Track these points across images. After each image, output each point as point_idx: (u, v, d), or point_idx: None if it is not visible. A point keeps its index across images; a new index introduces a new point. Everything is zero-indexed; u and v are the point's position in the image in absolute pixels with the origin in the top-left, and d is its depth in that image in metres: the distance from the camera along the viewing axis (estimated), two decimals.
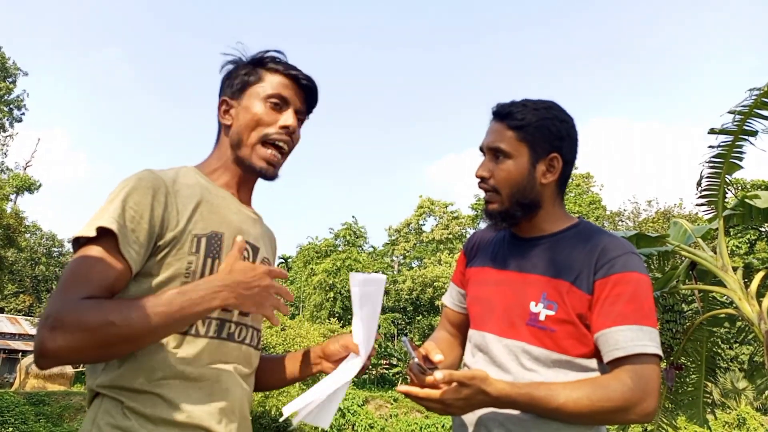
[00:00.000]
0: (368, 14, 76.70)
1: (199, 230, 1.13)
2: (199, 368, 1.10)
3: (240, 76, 1.27)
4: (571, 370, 1.26)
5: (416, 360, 1.17)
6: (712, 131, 4.72)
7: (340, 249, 35.22)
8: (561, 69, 76.30)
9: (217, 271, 1.12)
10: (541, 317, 1.27)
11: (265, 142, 1.25)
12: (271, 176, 1.27)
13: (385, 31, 77.82)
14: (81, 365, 25.63)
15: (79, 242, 1.05)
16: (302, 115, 1.31)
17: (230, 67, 1.30)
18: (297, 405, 1.16)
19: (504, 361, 1.30)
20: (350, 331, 1.30)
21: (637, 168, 69.21)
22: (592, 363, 1.27)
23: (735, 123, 4.55)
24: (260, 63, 1.28)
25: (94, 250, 1.02)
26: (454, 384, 1.11)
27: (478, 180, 1.38)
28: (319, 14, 77.97)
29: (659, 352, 1.19)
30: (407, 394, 1.15)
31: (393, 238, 40.60)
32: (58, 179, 70.50)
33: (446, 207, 39.52)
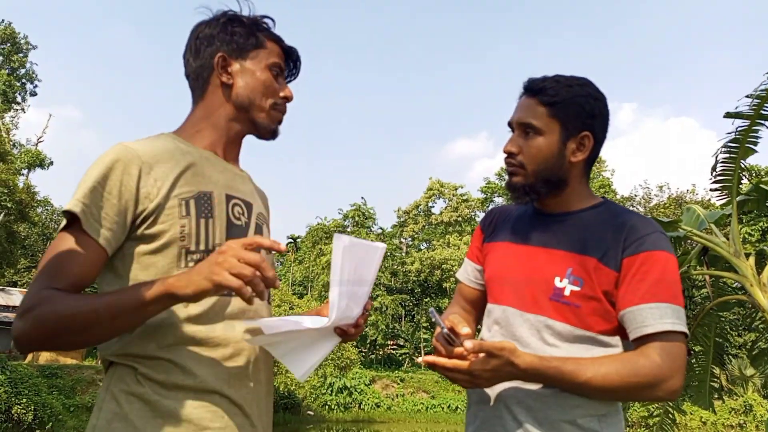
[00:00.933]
0: None
1: (185, 193, 1.11)
2: (208, 330, 1.09)
3: (239, 35, 1.25)
4: (593, 346, 1.26)
5: (445, 330, 1.16)
6: (728, 115, 4.65)
7: (349, 230, 35.31)
8: (570, 48, 75.37)
9: (213, 230, 1.13)
10: (566, 292, 1.26)
11: (273, 108, 1.28)
12: (274, 137, 1.31)
13: (401, 10, 77.09)
14: None
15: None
16: None
17: (225, 21, 1.26)
18: (263, 337, 1.11)
19: (524, 336, 1.28)
20: None
21: (650, 153, 68.59)
22: (614, 339, 1.27)
23: (752, 107, 4.49)
24: (260, 27, 1.28)
25: (63, 237, 1.04)
26: (483, 355, 1.11)
27: (506, 155, 1.36)
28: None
29: (686, 330, 1.20)
30: (433, 366, 1.15)
31: (402, 219, 40.63)
32: (69, 156, 71.00)
33: (456, 189, 39.44)
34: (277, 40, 1.29)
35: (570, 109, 1.30)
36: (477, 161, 74.05)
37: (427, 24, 76.84)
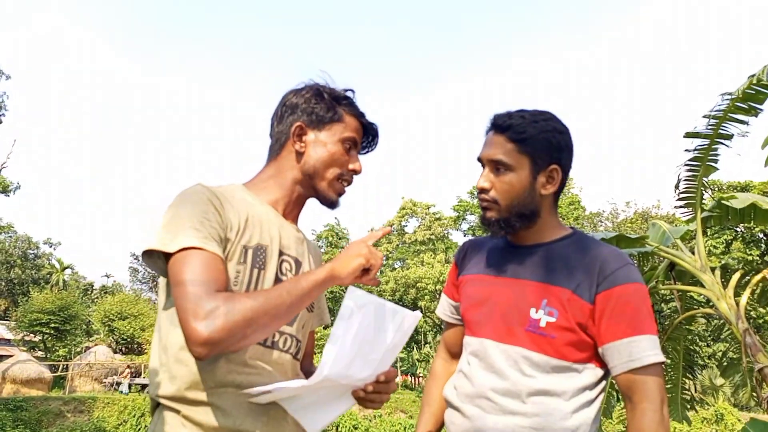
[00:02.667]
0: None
1: (246, 242, 1.20)
2: (249, 376, 1.15)
3: (320, 108, 1.33)
4: (569, 375, 1.29)
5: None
6: (687, 135, 4.80)
7: (322, 251, 35.14)
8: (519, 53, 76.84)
9: (263, 281, 1.20)
10: (542, 323, 1.29)
11: (339, 179, 1.34)
12: (333, 207, 1.38)
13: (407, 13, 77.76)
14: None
15: (151, 253, 1.12)
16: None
17: (311, 94, 1.35)
18: (276, 393, 1.12)
19: (502, 368, 1.31)
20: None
21: (614, 169, 70.06)
22: (589, 366, 1.31)
23: (710, 127, 4.65)
24: (341, 102, 1.35)
25: (191, 255, 1.08)
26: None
27: (479, 191, 1.39)
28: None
29: (663, 358, 1.28)
30: None
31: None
32: (33, 182, 69.20)
33: (428, 208, 39.62)
34: (358, 115, 1.36)
35: (538, 145, 1.34)
36: (444, 179, 74.65)
37: (435, 19, 77.67)
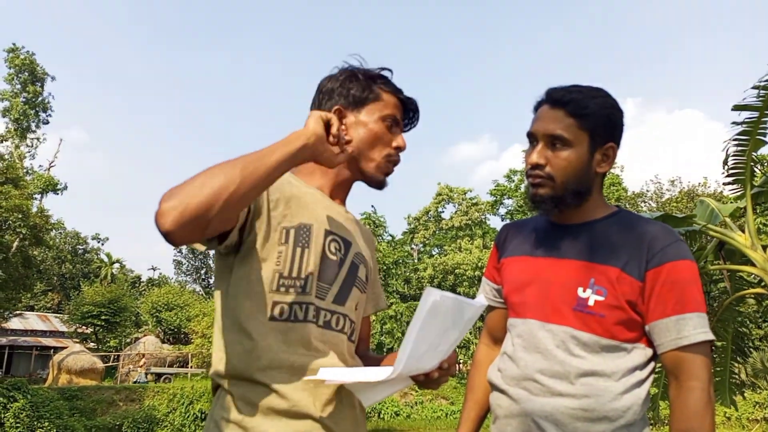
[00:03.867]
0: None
1: (287, 223, 1.20)
2: (302, 355, 1.15)
3: (356, 89, 1.33)
4: (619, 355, 1.27)
5: None
6: (736, 107, 4.63)
7: None
8: (572, 48, 75.21)
9: (308, 259, 1.19)
10: (590, 302, 1.26)
11: (386, 159, 1.33)
12: (381, 187, 1.36)
13: (403, 16, 77.38)
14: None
15: None
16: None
17: (345, 76, 1.35)
18: (327, 373, 1.12)
19: (550, 348, 1.29)
20: None
21: (658, 148, 68.14)
22: (639, 346, 1.29)
23: (759, 98, 4.46)
24: (377, 80, 1.34)
25: None
26: None
27: (531, 167, 1.34)
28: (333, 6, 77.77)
29: (712, 336, 1.24)
30: None
31: (412, 226, 40.53)
32: (78, 178, 71.65)
33: (465, 194, 39.32)
34: (394, 92, 1.35)
35: (599, 121, 1.31)
36: (481, 164, 74.00)
37: (425, 27, 77.08)
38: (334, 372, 1.12)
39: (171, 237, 0.97)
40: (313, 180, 1.33)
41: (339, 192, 1.36)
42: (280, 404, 1.10)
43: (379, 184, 1.34)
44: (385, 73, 1.36)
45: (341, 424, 1.17)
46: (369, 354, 1.42)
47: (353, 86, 1.33)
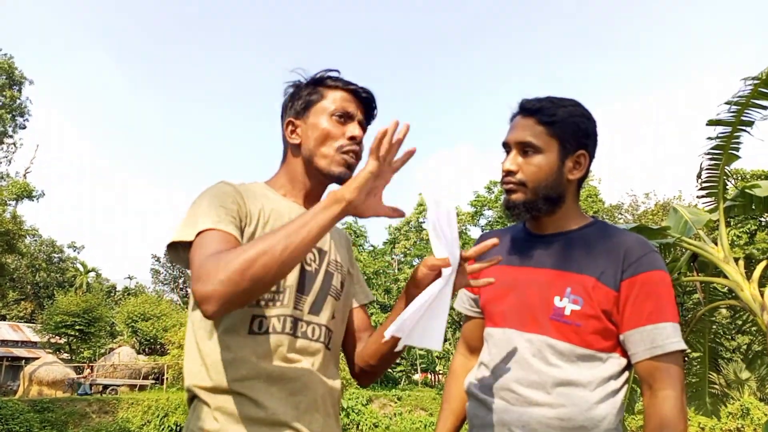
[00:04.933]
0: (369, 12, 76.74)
1: None
2: (279, 366, 1.15)
3: (302, 97, 1.35)
4: (594, 365, 1.28)
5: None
6: (710, 122, 4.72)
7: None
8: (544, 60, 76.35)
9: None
10: (567, 312, 1.28)
11: (338, 150, 1.31)
12: (341, 180, 1.31)
13: (377, 30, 77.81)
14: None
15: (175, 246, 1.13)
16: (364, 126, 1.37)
17: (291, 90, 1.37)
18: (395, 326, 1.12)
19: (526, 357, 1.30)
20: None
21: (634, 160, 69.26)
22: (613, 356, 1.30)
23: (732, 114, 4.56)
24: (320, 82, 1.35)
25: (209, 236, 1.09)
26: None
27: (504, 174, 1.38)
28: (317, 13, 77.99)
29: (685, 345, 1.26)
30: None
31: (393, 236, 40.54)
32: (56, 186, 70.41)
33: None
34: (342, 86, 1.34)
35: (567, 128, 1.34)
36: (459, 175, 74.53)
37: (406, 35, 77.65)
38: (398, 323, 1.11)
39: (212, 317, 1.00)
40: (287, 193, 1.34)
41: (311, 201, 1.36)
42: (258, 413, 1.11)
43: (337, 178, 1.32)
44: (332, 73, 1.36)
45: None
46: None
47: (298, 95, 1.35)
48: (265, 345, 1.15)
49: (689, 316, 5.44)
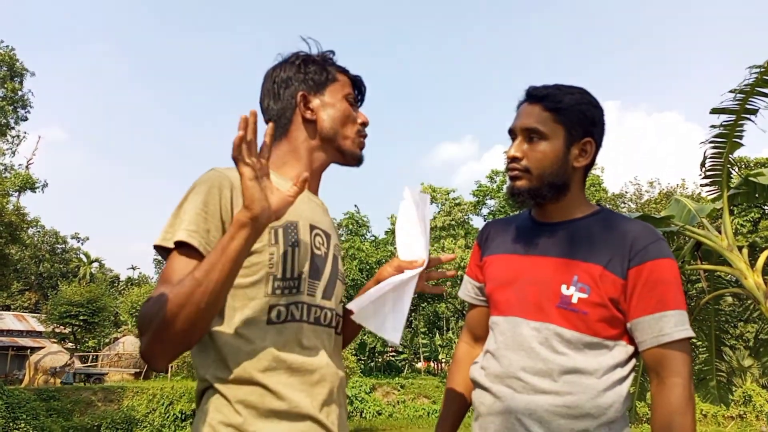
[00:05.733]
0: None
1: (274, 222, 1.14)
2: (299, 356, 1.15)
3: (314, 73, 1.33)
4: (600, 353, 1.28)
5: None
6: (714, 111, 4.70)
7: (343, 239, 35.23)
8: (554, 50, 75.82)
9: (299, 257, 1.19)
10: (574, 300, 1.28)
11: (358, 134, 1.35)
12: (360, 163, 1.37)
13: (389, 17, 77.30)
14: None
15: (162, 248, 1.12)
16: None
17: (300, 61, 1.34)
18: (358, 303, 1.14)
19: (533, 345, 1.30)
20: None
21: (637, 149, 68.98)
22: (620, 343, 1.30)
23: (736, 102, 4.54)
24: (329, 63, 1.36)
25: (176, 258, 1.09)
26: None
27: (509, 161, 1.37)
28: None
29: (692, 333, 1.27)
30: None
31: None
32: (58, 177, 70.44)
33: (448, 194, 39.43)
34: (345, 71, 1.37)
35: (574, 115, 1.33)
36: (463, 165, 74.44)
37: (409, 28, 77.13)
38: (359, 301, 1.14)
39: (162, 370, 1.02)
40: (288, 171, 1.30)
41: (314, 181, 1.35)
42: (280, 406, 1.10)
43: (358, 160, 1.35)
44: (331, 54, 1.39)
45: (336, 424, 1.18)
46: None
47: (311, 70, 1.33)
48: (285, 334, 1.14)
49: (693, 304, 5.44)
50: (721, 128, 4.75)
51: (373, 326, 1.16)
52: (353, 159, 1.35)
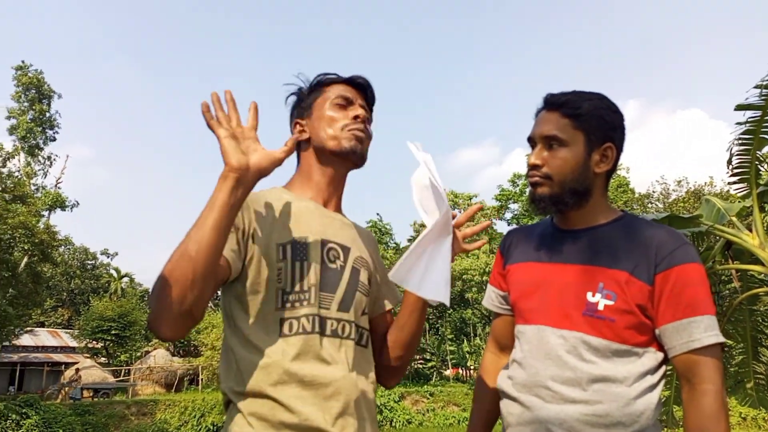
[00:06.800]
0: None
1: (281, 239, 1.22)
2: (311, 369, 1.16)
3: (305, 100, 1.40)
4: (629, 360, 1.27)
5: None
6: (739, 107, 4.62)
7: None
8: (574, 50, 75.13)
9: (308, 271, 1.22)
10: (600, 307, 1.27)
11: (344, 128, 1.34)
12: (361, 155, 1.35)
13: (398, 19, 77.58)
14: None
15: None
16: (366, 109, 1.40)
17: (294, 97, 1.43)
18: (394, 271, 1.16)
19: (560, 354, 1.29)
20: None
21: (662, 148, 67.84)
22: (649, 350, 1.29)
23: (762, 97, 4.45)
24: (319, 83, 1.40)
25: None
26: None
27: (530, 168, 1.37)
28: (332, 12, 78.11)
29: (723, 338, 1.24)
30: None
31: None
32: (86, 194, 72.02)
33: (470, 199, 39.25)
34: (337, 80, 1.40)
35: (593, 121, 1.33)
36: (484, 169, 74.04)
37: (427, 33, 77.27)
38: (396, 272, 1.15)
39: (176, 337, 1.08)
40: (304, 191, 1.36)
41: (331, 196, 1.38)
42: (291, 419, 1.11)
43: (351, 152, 1.32)
44: (328, 74, 1.42)
45: None
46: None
47: (300, 98, 1.41)
48: (297, 346, 1.16)
49: (726, 305, 5.33)
50: (747, 125, 4.66)
51: (411, 286, 1.16)
52: (348, 155, 1.33)
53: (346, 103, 1.36)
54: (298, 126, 1.39)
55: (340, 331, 1.23)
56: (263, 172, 1.13)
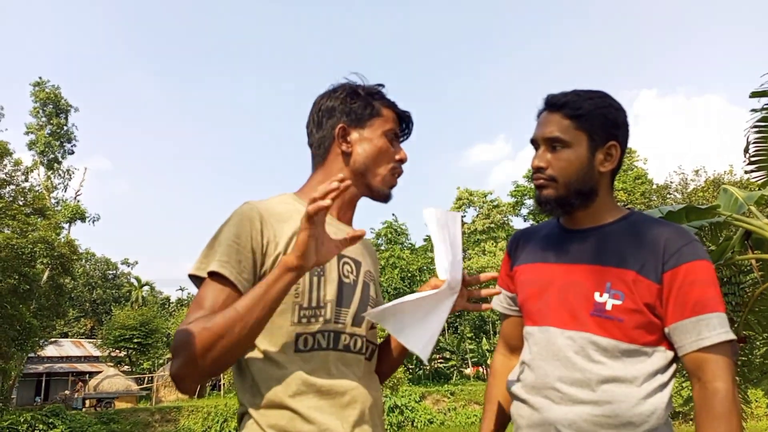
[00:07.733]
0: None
1: None
2: (328, 380, 1.17)
3: (358, 106, 1.34)
4: (639, 360, 1.25)
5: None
6: (754, 94, 4.53)
7: (383, 248, 35.28)
8: (586, 41, 74.56)
9: (325, 286, 1.21)
10: (608, 307, 1.25)
11: (391, 172, 1.35)
12: (387, 200, 1.37)
13: (409, 18, 77.66)
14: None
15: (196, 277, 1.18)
16: None
17: (346, 94, 1.35)
18: (374, 312, 1.16)
19: (569, 355, 1.27)
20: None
21: (679, 137, 67.03)
22: (659, 349, 1.27)
23: None
24: (375, 97, 1.36)
25: (209, 286, 1.14)
26: None
27: (534, 171, 1.36)
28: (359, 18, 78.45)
29: (733, 335, 1.23)
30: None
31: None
32: (105, 205, 72.95)
33: (485, 196, 39.13)
34: (391, 106, 1.37)
35: (595, 120, 1.31)
36: (497, 165, 73.75)
37: (438, 31, 77.19)
38: (377, 311, 1.15)
39: (187, 392, 1.14)
40: None
41: (346, 212, 1.37)
42: (310, 429, 1.12)
43: (385, 198, 1.36)
44: (380, 88, 1.38)
45: None
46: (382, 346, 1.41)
47: (355, 103, 1.34)
48: (313, 361, 1.17)
49: (748, 296, 5.23)
50: (763, 111, 4.57)
51: (404, 339, 1.17)
52: (381, 196, 1.35)
53: (395, 139, 1.36)
54: (342, 131, 1.32)
55: (352, 346, 1.24)
56: (321, 264, 1.12)
